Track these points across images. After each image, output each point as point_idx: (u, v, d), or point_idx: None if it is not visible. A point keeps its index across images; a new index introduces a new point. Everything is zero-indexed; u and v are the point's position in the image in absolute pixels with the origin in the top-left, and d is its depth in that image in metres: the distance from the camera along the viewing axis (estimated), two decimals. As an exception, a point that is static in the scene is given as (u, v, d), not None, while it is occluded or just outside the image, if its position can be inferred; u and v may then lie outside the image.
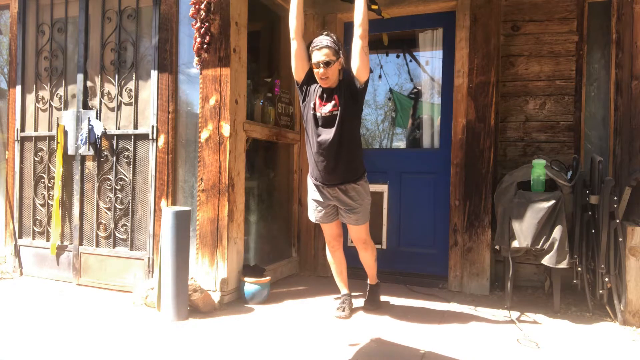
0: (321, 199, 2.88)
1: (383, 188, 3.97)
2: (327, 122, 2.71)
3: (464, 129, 3.60)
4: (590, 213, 3.05)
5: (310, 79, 2.79)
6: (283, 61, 4.18)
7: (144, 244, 3.48)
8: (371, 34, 3.99)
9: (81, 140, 3.63)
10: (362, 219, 2.88)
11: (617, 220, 2.86)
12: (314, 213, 2.97)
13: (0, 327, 2.73)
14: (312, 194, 2.93)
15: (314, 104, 2.75)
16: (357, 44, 2.64)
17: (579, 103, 3.61)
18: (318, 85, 2.77)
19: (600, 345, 2.60)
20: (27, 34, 3.94)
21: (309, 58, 2.74)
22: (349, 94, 2.71)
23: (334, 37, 2.72)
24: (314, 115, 2.74)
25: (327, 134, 2.70)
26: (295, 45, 2.73)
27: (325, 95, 2.74)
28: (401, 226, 3.98)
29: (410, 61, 4.40)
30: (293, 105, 4.06)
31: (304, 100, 2.82)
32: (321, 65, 2.64)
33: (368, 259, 3.11)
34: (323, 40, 2.69)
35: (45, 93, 3.87)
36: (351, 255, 3.32)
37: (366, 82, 2.72)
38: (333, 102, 2.70)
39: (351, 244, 3.35)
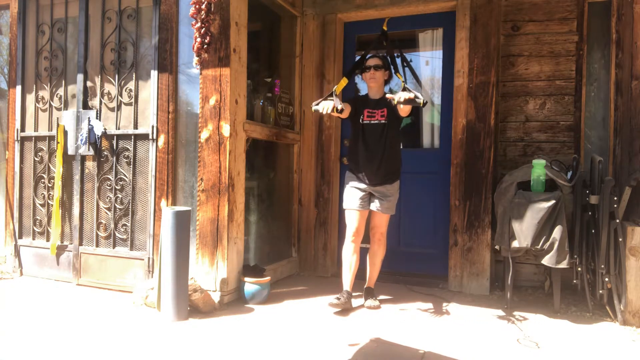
0: (361, 186, 3.21)
1: (383, 188, 3.96)
2: (375, 129, 3.18)
3: (464, 129, 3.61)
4: (590, 213, 3.05)
5: (353, 109, 3.23)
6: (283, 61, 4.18)
7: (144, 244, 3.48)
8: (371, 34, 4.05)
9: (81, 140, 3.63)
10: (391, 208, 3.23)
11: (617, 220, 2.86)
12: (352, 199, 3.21)
13: (1, 327, 2.73)
14: (353, 183, 3.24)
15: (363, 116, 3.21)
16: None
17: (579, 103, 3.61)
18: (363, 102, 3.25)
19: (600, 345, 2.60)
20: (27, 34, 3.93)
21: (352, 104, 3.24)
22: (392, 112, 3.15)
23: (385, 59, 3.28)
24: (363, 124, 3.21)
25: (376, 140, 3.16)
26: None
27: (372, 107, 3.21)
28: (401, 226, 3.98)
29: (410, 61, 4.39)
30: (293, 105, 4.06)
31: (353, 117, 3.25)
32: (372, 67, 3.20)
33: (377, 256, 3.29)
34: (378, 54, 3.29)
35: (45, 93, 3.87)
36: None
37: (405, 116, 3.18)
38: (381, 113, 3.19)
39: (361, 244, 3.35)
